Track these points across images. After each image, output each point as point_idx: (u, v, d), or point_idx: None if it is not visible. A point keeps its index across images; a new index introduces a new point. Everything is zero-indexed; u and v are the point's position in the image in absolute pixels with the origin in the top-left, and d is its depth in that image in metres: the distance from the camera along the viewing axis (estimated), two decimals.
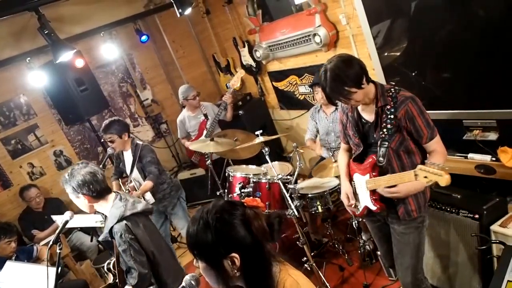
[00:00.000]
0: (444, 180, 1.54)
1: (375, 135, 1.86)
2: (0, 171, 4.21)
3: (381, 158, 1.82)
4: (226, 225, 1.08)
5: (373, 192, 1.93)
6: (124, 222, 1.96)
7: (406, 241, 1.96)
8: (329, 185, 3.01)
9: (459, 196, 2.27)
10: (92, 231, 4.05)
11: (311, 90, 3.35)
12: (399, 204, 1.89)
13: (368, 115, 1.90)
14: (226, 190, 3.30)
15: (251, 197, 1.24)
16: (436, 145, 1.83)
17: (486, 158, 2.28)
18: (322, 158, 3.43)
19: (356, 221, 2.86)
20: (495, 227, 2.05)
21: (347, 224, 3.36)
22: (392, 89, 1.82)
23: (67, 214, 2.02)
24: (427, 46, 2.47)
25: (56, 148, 4.58)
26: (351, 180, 2.07)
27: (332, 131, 3.36)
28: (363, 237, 3.00)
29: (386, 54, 2.75)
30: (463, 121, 2.38)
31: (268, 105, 4.81)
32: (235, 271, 1.09)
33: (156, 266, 2.08)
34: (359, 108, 1.92)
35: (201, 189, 4.77)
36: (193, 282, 1.13)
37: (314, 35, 3.36)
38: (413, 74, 2.70)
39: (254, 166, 3.39)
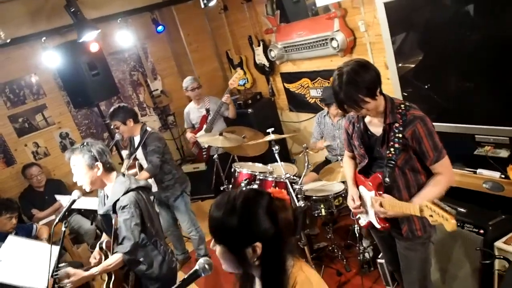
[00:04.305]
0: (450, 225, 1.45)
1: (381, 150, 1.82)
2: (5, 148, 4.21)
3: (387, 179, 1.78)
4: (252, 213, 1.07)
5: None
6: (131, 193, 2.03)
7: (412, 257, 1.92)
8: (334, 189, 3.02)
9: (464, 210, 2.29)
10: (92, 215, 4.05)
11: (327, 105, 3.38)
12: (403, 222, 1.85)
13: (375, 128, 1.85)
14: (230, 186, 3.30)
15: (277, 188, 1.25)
16: (441, 168, 1.75)
17: (495, 175, 2.27)
18: (327, 162, 3.44)
19: (357, 228, 2.87)
20: (499, 243, 2.05)
21: (348, 230, 3.36)
22: (403, 106, 1.76)
23: (75, 193, 2.03)
24: (444, 59, 2.47)
25: (63, 130, 4.58)
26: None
27: (337, 138, 3.37)
28: (363, 244, 3.00)
29: (400, 64, 2.76)
30: (476, 136, 2.38)
31: (277, 106, 4.82)
32: (255, 260, 1.08)
33: (149, 240, 2.13)
34: (366, 119, 1.88)
35: (203, 183, 4.78)
36: (206, 266, 1.13)
37: (332, 39, 3.37)
38: (426, 87, 2.72)
39: (260, 164, 3.40)
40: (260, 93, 4.87)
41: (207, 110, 4.20)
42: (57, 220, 1.94)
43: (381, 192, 1.84)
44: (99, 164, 2.02)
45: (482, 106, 2.35)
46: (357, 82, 1.65)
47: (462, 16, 2.28)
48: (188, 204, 3.47)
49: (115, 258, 2.01)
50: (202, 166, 4.87)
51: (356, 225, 2.89)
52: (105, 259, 2.13)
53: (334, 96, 1.75)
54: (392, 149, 1.74)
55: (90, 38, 3.42)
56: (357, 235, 2.89)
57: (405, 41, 2.68)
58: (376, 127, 1.84)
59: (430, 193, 1.72)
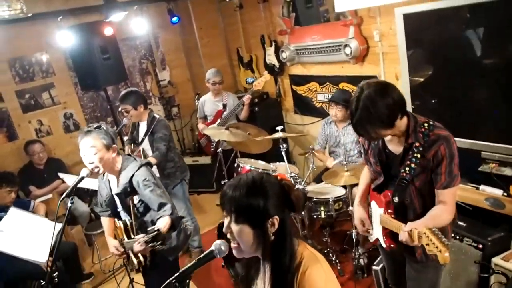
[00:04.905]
0: (442, 258, 1.42)
1: (399, 169, 1.72)
2: (9, 122, 4.20)
3: (396, 198, 1.72)
4: (271, 189, 1.16)
5: (385, 228, 1.83)
6: (144, 168, 2.12)
7: (422, 279, 1.87)
8: (336, 193, 3.04)
9: (464, 224, 2.32)
10: (88, 198, 4.05)
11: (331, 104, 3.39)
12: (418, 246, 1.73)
13: (394, 147, 1.76)
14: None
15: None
16: (447, 196, 1.65)
17: (498, 192, 2.31)
18: (327, 169, 3.46)
19: (355, 233, 2.90)
20: (497, 259, 2.09)
21: (345, 235, 3.38)
22: (426, 125, 1.65)
23: (84, 170, 2.04)
24: (455, 76, 2.51)
25: (67, 111, 4.58)
26: (368, 204, 1.99)
27: (342, 144, 3.39)
28: (360, 250, 3.02)
29: (411, 77, 2.79)
30: (481, 152, 2.42)
31: (283, 107, 4.85)
32: (271, 234, 1.16)
33: None
34: (386, 137, 1.78)
35: (201, 177, 4.80)
36: (222, 247, 1.15)
37: (345, 46, 3.41)
38: (433, 101, 2.76)
39: (263, 162, 3.42)
40: (267, 93, 4.89)
41: (224, 106, 4.19)
42: (64, 195, 1.94)
43: (390, 210, 1.79)
44: (115, 146, 2.07)
45: (490, 123, 2.39)
46: (371, 113, 1.54)
47: (477, 36, 2.33)
48: (186, 193, 3.49)
49: (164, 222, 2.04)
50: (202, 160, 4.88)
51: (354, 231, 2.93)
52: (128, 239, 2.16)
53: (350, 116, 1.67)
54: (407, 169, 1.67)
55: (118, 19, 3.43)
56: (354, 240, 2.93)
57: (419, 54, 2.72)
58: (396, 145, 1.76)
59: (428, 223, 1.60)
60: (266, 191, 1.15)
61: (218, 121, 4.15)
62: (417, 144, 1.64)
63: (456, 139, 2.50)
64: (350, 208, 2.89)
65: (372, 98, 1.54)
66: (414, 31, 2.63)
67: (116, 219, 2.31)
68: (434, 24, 2.52)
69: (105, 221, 2.39)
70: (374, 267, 2.75)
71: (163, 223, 2.04)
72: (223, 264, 3.13)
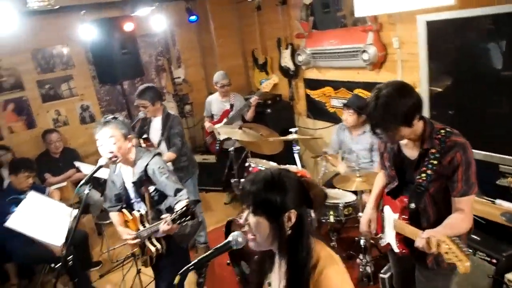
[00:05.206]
0: (463, 268, 1.40)
1: (414, 174, 1.72)
2: (28, 110, 4.31)
3: (412, 205, 1.72)
4: (289, 183, 1.19)
5: (398, 233, 1.82)
6: (157, 157, 2.19)
7: (432, 286, 1.86)
8: (346, 198, 3.05)
9: (478, 238, 2.30)
10: (101, 188, 4.12)
11: (344, 108, 3.40)
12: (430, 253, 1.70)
13: (410, 152, 1.77)
14: (242, 180, 3.35)
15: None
16: (464, 204, 1.63)
17: None
18: (337, 174, 3.47)
19: (364, 240, 2.89)
20: (510, 276, 2.07)
21: (352, 242, 3.37)
22: (443, 131, 1.65)
23: (102, 159, 2.08)
24: (476, 87, 2.49)
25: (84, 103, 4.68)
26: (382, 209, 1.97)
27: (354, 152, 3.40)
28: (367, 258, 3.01)
29: (430, 86, 2.79)
30: (500, 165, 2.39)
31: (295, 111, 4.87)
32: (288, 228, 1.17)
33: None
34: (402, 141, 1.78)
35: (209, 176, 4.83)
36: (240, 239, 1.18)
37: (363, 51, 3.41)
38: (451, 112, 2.74)
39: (274, 163, 3.44)
40: (280, 96, 4.92)
41: (231, 106, 4.29)
42: (82, 182, 1.99)
43: (405, 216, 1.78)
44: (131, 136, 2.14)
45: (510, 136, 2.35)
46: (391, 110, 1.56)
47: (500, 47, 2.31)
48: (196, 187, 3.58)
49: (182, 205, 2.08)
50: (212, 158, 4.92)
51: (362, 237, 2.93)
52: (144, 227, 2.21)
53: (368, 117, 1.68)
54: (423, 175, 1.66)
55: (144, 14, 3.52)
56: (362, 247, 2.92)
57: (440, 63, 2.69)
58: (411, 150, 1.76)
59: (447, 231, 1.58)
60: (284, 185, 1.18)
61: (225, 120, 4.25)
62: (433, 150, 1.64)
63: (474, 150, 2.51)
64: (360, 214, 2.88)
65: (392, 95, 1.56)
66: (437, 39, 2.60)
67: (127, 211, 2.34)
68: (457, 33, 2.48)
69: (114, 215, 2.43)
70: (381, 275, 2.74)
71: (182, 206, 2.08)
72: (228, 261, 3.16)
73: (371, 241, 2.94)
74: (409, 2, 2.60)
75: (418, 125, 1.65)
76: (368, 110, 1.63)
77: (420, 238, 1.58)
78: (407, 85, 1.64)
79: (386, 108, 1.56)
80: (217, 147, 4.43)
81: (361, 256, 2.96)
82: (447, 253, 1.45)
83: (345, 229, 3.58)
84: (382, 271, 2.73)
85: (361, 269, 2.96)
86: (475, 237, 2.25)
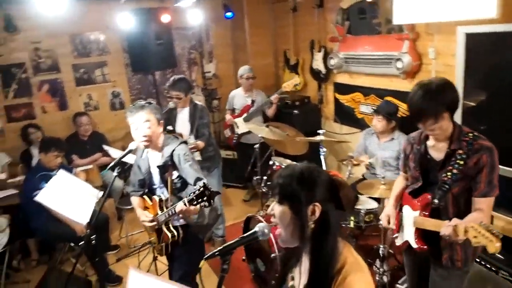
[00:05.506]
0: (494, 247, 1.45)
1: (438, 175, 1.78)
2: (62, 92, 4.46)
3: (436, 201, 1.77)
4: (316, 176, 1.18)
5: (418, 229, 1.86)
6: (183, 144, 2.23)
7: (446, 285, 1.88)
8: (368, 205, 3.01)
9: (502, 257, 2.23)
10: (123, 175, 4.21)
11: (373, 114, 3.35)
12: (445, 249, 1.80)
13: (436, 153, 1.83)
14: (265, 177, 3.36)
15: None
16: (484, 205, 1.70)
17: None
18: (361, 180, 3.42)
19: (383, 248, 2.85)
20: None
21: (370, 249, 3.32)
22: (471, 135, 1.73)
23: (133, 144, 2.14)
24: (510, 105, 2.43)
25: (116, 89, 4.80)
26: (400, 209, 2.02)
27: (379, 158, 3.35)
28: (384, 267, 2.97)
29: (463, 101, 2.72)
30: None
31: (323, 114, 4.83)
32: (311, 222, 1.17)
33: None
34: (428, 143, 1.86)
35: (230, 171, 4.86)
36: (266, 230, 1.19)
37: (397, 59, 3.36)
38: (482, 127, 2.66)
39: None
40: (309, 98, 4.90)
41: (253, 102, 4.35)
42: (111, 165, 2.05)
43: (426, 213, 1.82)
44: (162, 122, 2.17)
45: None
46: (441, 95, 1.65)
47: None
48: (220, 178, 3.66)
49: (200, 185, 2.11)
50: (234, 155, 4.95)
51: (381, 246, 2.88)
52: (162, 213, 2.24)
53: (411, 106, 1.72)
54: (449, 173, 1.72)
55: (186, 5, 3.62)
56: (381, 255, 2.88)
57: (477, 77, 2.64)
58: (438, 151, 1.81)
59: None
60: (314, 178, 1.18)
61: (245, 115, 4.32)
62: (460, 151, 1.71)
63: (503, 167, 2.43)
64: (381, 222, 2.84)
65: (442, 85, 1.68)
66: (475, 52, 2.55)
67: (147, 198, 2.38)
68: (497, 47, 2.43)
69: (135, 198, 2.45)
70: (398, 286, 2.70)
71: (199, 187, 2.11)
72: (244, 258, 3.18)
73: (390, 250, 2.90)
74: (449, 13, 2.55)
75: (450, 125, 1.74)
76: (414, 98, 1.69)
77: (447, 226, 1.63)
78: (451, 81, 1.74)
79: (437, 93, 1.65)
80: (235, 140, 4.49)
81: (378, 265, 2.92)
82: (476, 236, 1.50)
83: (364, 237, 3.53)
84: (399, 282, 2.69)
85: (377, 278, 2.91)
86: (498, 255, 2.17)
